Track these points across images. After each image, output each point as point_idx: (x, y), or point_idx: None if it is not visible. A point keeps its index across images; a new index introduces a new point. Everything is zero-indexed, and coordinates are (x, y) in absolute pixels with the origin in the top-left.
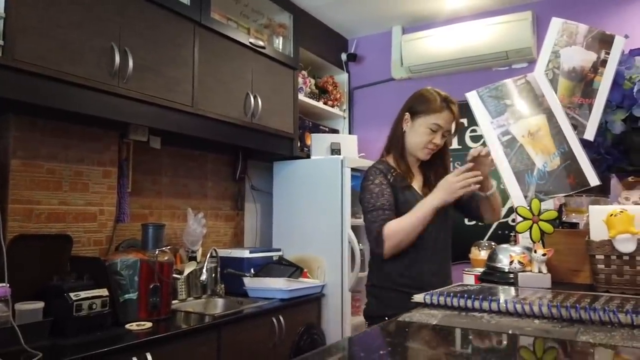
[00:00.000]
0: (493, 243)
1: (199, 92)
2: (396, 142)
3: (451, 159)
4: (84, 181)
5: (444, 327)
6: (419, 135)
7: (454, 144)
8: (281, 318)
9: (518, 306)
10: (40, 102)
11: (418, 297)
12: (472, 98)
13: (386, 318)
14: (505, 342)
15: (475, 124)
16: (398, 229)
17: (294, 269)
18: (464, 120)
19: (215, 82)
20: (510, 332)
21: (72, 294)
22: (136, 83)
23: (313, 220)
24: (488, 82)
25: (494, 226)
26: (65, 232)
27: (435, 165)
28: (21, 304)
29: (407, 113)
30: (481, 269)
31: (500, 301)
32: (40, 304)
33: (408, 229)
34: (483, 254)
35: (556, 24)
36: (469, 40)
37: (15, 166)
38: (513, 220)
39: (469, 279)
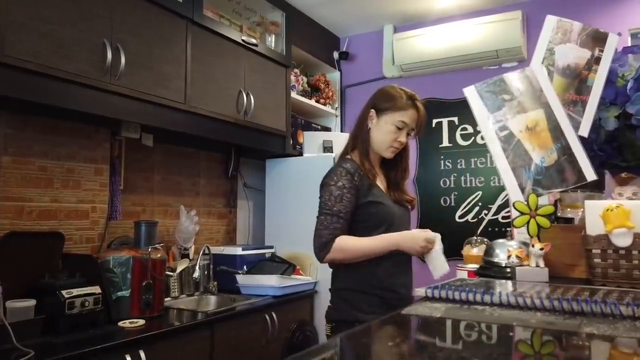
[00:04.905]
0: (485, 239)
1: (192, 90)
2: (361, 140)
3: (443, 157)
4: (75, 178)
5: (450, 319)
6: (385, 133)
7: (444, 142)
8: (274, 315)
9: (520, 299)
10: (31, 98)
11: (420, 291)
12: (470, 93)
13: (356, 323)
14: (511, 334)
15: (466, 122)
16: (350, 249)
17: (287, 266)
18: (455, 119)
19: (207, 79)
20: (515, 324)
21: (64, 292)
22: (128, 80)
23: (305, 218)
24: (478, 81)
25: (484, 223)
26: (57, 230)
27: (396, 165)
28: (12, 302)
29: (372, 110)
30: (474, 265)
31: (503, 294)
32: (31, 302)
33: (359, 253)
34: (475, 251)
35: (551, 21)
36: (459, 40)
37: (6, 163)
38: (503, 218)
39: (463, 275)
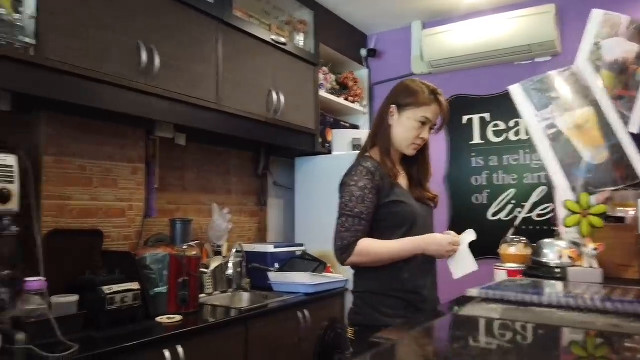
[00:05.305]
0: (523, 238)
1: (223, 89)
2: (382, 137)
3: (475, 155)
4: (113, 177)
5: (512, 321)
6: (407, 130)
7: (476, 139)
8: (306, 312)
9: (581, 301)
10: (70, 99)
11: (472, 292)
12: (516, 91)
13: (382, 328)
14: (582, 337)
15: (498, 118)
16: (373, 252)
17: (318, 264)
18: (488, 115)
19: (238, 78)
20: (582, 327)
21: (104, 288)
22: (162, 81)
23: (335, 216)
24: (510, 76)
25: (516, 222)
26: (96, 228)
27: (418, 161)
28: (57, 297)
29: (393, 106)
30: (512, 264)
31: (560, 295)
32: (75, 297)
33: (382, 257)
34: (513, 250)
35: (597, 15)
36: (490, 34)
37: (48, 163)
38: (538, 216)
39: (502, 275)
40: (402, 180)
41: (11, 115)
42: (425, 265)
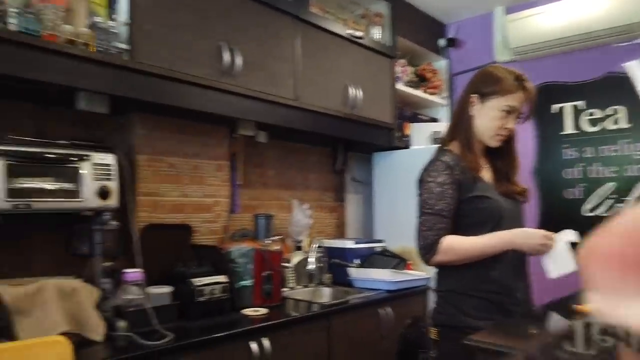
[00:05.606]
0: None
1: (301, 86)
2: (462, 129)
3: (567, 146)
4: (200, 174)
5: None
6: (490, 120)
7: (568, 129)
8: (388, 309)
9: None
10: (161, 100)
11: None
12: (635, 68)
13: (467, 329)
14: None
15: (594, 106)
16: (459, 249)
17: (398, 261)
18: (582, 102)
19: (315, 75)
20: None
21: (194, 280)
22: (244, 79)
23: (415, 212)
24: (608, 60)
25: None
26: (186, 222)
27: (503, 154)
28: (152, 288)
29: (474, 95)
30: None
31: None
32: (169, 288)
33: (468, 254)
34: None
35: None
36: (582, 15)
37: (142, 161)
38: None
39: None
40: (486, 174)
41: (107, 117)
42: (517, 263)
